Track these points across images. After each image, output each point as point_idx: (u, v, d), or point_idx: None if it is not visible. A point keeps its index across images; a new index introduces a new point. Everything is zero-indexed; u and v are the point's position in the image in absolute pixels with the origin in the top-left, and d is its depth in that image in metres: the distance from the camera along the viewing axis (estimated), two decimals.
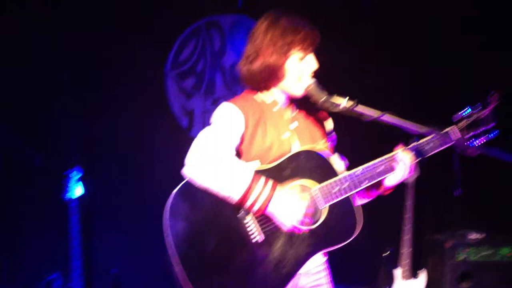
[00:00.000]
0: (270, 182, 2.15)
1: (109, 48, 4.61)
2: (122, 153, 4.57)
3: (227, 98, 5.00)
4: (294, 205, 2.15)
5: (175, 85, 4.92)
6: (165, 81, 4.90)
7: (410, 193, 3.97)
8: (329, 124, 2.49)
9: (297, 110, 2.42)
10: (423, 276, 4.15)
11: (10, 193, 4.28)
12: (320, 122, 2.45)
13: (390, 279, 4.12)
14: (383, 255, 4.26)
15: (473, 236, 4.50)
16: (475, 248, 4.40)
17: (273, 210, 2.14)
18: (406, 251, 4.05)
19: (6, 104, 4.32)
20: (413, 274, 4.13)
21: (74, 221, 3.86)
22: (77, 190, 3.93)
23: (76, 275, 3.84)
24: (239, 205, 2.15)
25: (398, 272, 4.10)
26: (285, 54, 2.27)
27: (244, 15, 4.95)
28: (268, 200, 2.14)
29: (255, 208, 2.14)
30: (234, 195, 2.13)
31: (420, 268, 4.21)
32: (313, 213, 2.19)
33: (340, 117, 2.34)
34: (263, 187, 2.14)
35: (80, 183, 3.97)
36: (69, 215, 3.86)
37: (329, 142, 2.45)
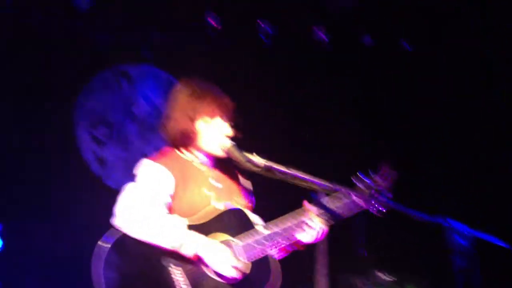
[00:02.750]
0: (199, 236, 2.41)
1: (19, 100, 4.65)
2: (39, 203, 4.58)
3: (139, 145, 5.31)
4: (223, 253, 2.40)
5: (86, 134, 5.05)
6: (76, 130, 5.00)
7: (324, 238, 4.30)
8: (247, 184, 2.76)
9: (218, 169, 2.67)
10: None
11: None
12: (238, 182, 2.72)
13: None
14: None
15: (383, 276, 4.94)
16: (383, 287, 4.83)
17: (204, 255, 2.38)
18: None
19: None
20: None
21: None
22: None
23: None
24: (172, 251, 2.37)
25: None
26: (192, 119, 2.52)
27: (153, 65, 5.22)
28: (199, 247, 2.38)
29: (188, 253, 2.36)
30: (169, 244, 2.35)
31: None
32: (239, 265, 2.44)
33: (258, 177, 2.60)
34: (193, 236, 2.38)
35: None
36: None
37: (247, 201, 2.72)
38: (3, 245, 3.94)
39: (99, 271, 2.36)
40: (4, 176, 4.51)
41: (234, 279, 2.42)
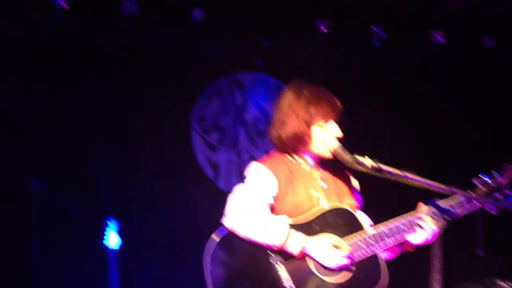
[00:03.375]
0: (304, 235, 2.43)
1: (139, 106, 4.97)
2: (155, 202, 4.87)
3: (249, 150, 5.47)
4: (328, 245, 2.41)
5: (200, 139, 5.27)
6: (191, 135, 5.25)
7: (437, 241, 4.14)
8: (355, 184, 2.75)
9: (325, 170, 2.68)
10: None
11: (49, 243, 4.53)
12: (346, 182, 2.71)
13: None
14: None
15: (505, 284, 4.62)
16: None
17: (309, 250, 2.41)
18: None
19: (43, 158, 4.61)
20: None
21: (113, 269, 4.13)
22: (114, 240, 4.22)
23: None
24: (279, 250, 2.41)
25: None
26: (309, 124, 2.55)
27: (264, 72, 5.34)
28: (304, 243, 2.41)
29: (294, 251, 2.40)
30: (273, 242, 2.41)
31: None
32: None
33: (365, 176, 2.58)
34: (297, 233, 2.42)
35: (117, 233, 4.26)
36: (108, 264, 4.14)
37: (355, 201, 2.70)
38: (122, 243, 4.21)
39: (207, 265, 2.46)
40: (123, 179, 4.83)
41: (340, 269, 2.41)
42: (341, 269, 2.45)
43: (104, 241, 4.20)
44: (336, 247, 2.43)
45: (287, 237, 2.42)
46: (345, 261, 2.41)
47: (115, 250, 4.19)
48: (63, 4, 4.43)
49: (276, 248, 2.43)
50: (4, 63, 4.54)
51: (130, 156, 4.91)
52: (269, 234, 2.42)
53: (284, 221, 2.48)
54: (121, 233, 4.22)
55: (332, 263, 2.40)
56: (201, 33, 4.92)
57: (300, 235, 2.43)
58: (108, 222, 4.23)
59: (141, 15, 4.67)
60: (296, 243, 2.41)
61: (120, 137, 4.91)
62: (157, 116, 5.03)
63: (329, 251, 2.40)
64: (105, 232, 4.21)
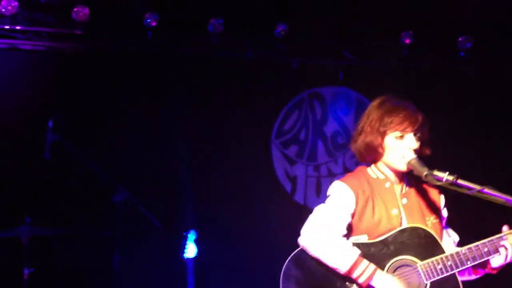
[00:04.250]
0: (372, 265, 2.36)
1: (220, 121, 5.07)
2: (232, 214, 4.92)
3: (328, 164, 5.42)
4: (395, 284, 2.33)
5: (279, 152, 5.29)
6: (270, 149, 5.28)
7: None
8: (441, 201, 2.62)
9: (408, 186, 2.58)
10: None
11: (130, 251, 4.67)
12: (431, 199, 2.59)
13: None
14: None
15: None
16: None
17: (377, 283, 2.33)
18: None
19: (126, 172, 4.76)
20: None
21: (190, 280, 4.22)
22: (192, 250, 4.31)
23: None
24: (347, 275, 2.36)
25: None
26: (382, 133, 2.49)
27: (345, 86, 5.28)
28: (372, 276, 2.34)
29: (361, 281, 2.34)
30: (341, 268, 2.37)
31: None
32: None
33: (454, 194, 2.44)
34: (366, 266, 2.35)
35: (194, 243, 4.34)
36: (186, 274, 4.23)
37: (439, 219, 2.57)
38: (198, 252, 4.29)
39: (280, 281, 2.45)
40: (204, 191, 4.93)
41: None
42: None
43: (183, 254, 4.29)
44: None
45: (355, 264, 2.36)
46: None
47: (192, 259, 4.27)
48: (153, 23, 4.63)
49: (342, 274, 2.38)
50: (101, 78, 4.81)
51: (211, 168, 5.00)
52: (340, 261, 2.37)
53: (356, 249, 2.41)
54: (198, 243, 4.30)
55: None
56: (283, 48, 4.95)
57: (370, 267, 2.36)
58: (187, 234, 4.32)
59: (225, 31, 4.77)
60: (364, 274, 2.35)
61: (201, 151, 5.02)
62: (238, 130, 5.10)
63: None
64: (185, 245, 4.30)
